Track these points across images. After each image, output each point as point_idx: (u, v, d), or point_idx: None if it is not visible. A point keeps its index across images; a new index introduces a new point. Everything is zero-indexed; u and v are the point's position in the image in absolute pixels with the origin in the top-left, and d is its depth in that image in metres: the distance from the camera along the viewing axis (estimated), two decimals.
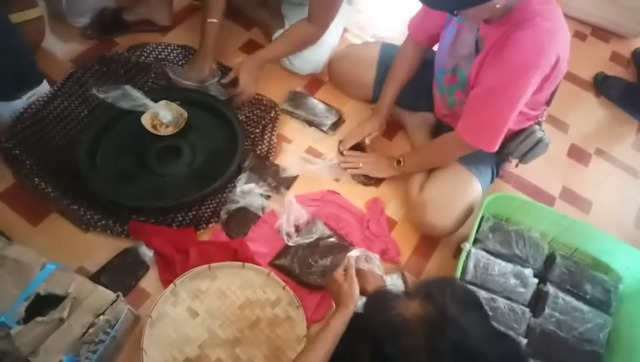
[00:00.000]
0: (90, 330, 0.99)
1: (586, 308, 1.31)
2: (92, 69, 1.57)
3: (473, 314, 0.72)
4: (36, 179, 1.32)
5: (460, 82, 1.35)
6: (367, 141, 1.53)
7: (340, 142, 1.56)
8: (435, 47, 1.44)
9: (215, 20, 1.53)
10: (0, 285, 0.99)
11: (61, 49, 1.67)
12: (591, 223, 1.48)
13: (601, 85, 1.96)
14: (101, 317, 1.00)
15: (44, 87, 1.45)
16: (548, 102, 1.43)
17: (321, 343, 0.93)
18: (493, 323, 1.23)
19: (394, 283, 1.35)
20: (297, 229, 1.36)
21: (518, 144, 1.42)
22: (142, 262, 1.28)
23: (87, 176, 1.34)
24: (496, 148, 1.29)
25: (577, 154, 1.77)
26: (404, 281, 1.33)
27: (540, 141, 1.42)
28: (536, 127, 1.42)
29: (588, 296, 1.33)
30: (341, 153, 1.54)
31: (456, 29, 1.31)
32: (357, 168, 1.51)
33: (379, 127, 1.53)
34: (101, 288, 1.04)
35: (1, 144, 1.35)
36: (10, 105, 1.39)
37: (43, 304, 0.99)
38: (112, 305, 1.02)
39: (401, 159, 1.47)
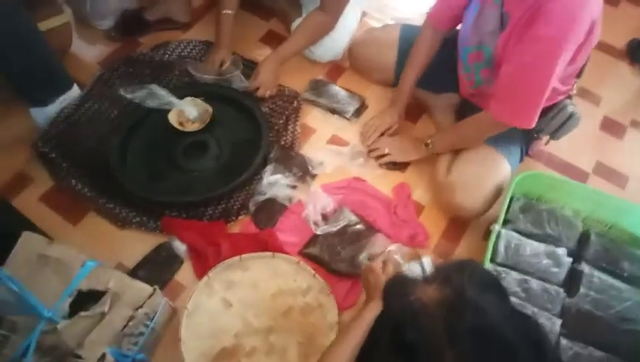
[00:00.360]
0: (131, 323, 1.04)
1: (623, 286, 1.28)
2: (119, 71, 1.61)
3: (492, 295, 0.72)
4: (73, 181, 1.38)
5: (486, 60, 1.32)
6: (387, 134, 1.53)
7: (361, 133, 1.56)
8: (458, 27, 1.42)
9: (229, 12, 1.55)
10: (45, 283, 1.04)
11: (88, 52, 1.73)
12: (628, 198, 1.43)
13: (636, 52, 1.88)
14: (140, 310, 1.05)
15: (74, 91, 1.50)
16: (579, 75, 1.38)
17: (353, 333, 0.94)
18: (521, 303, 1.23)
19: (412, 269, 1.34)
20: (324, 218, 1.38)
21: (549, 120, 1.38)
22: (176, 256, 1.32)
23: (119, 175, 1.39)
24: (534, 123, 1.26)
25: (611, 126, 1.70)
26: (422, 268, 1.32)
27: (571, 116, 1.38)
28: (568, 101, 1.38)
29: (625, 274, 1.30)
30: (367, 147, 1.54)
31: (480, 5, 1.28)
32: (384, 155, 1.51)
33: (398, 118, 1.52)
34: (139, 282, 1.09)
35: (38, 149, 1.41)
36: (44, 111, 1.45)
37: (85, 299, 1.04)
38: (149, 298, 1.07)
39: (430, 141, 1.44)
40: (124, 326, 1.03)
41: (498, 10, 1.23)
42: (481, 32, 1.29)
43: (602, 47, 1.89)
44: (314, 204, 1.35)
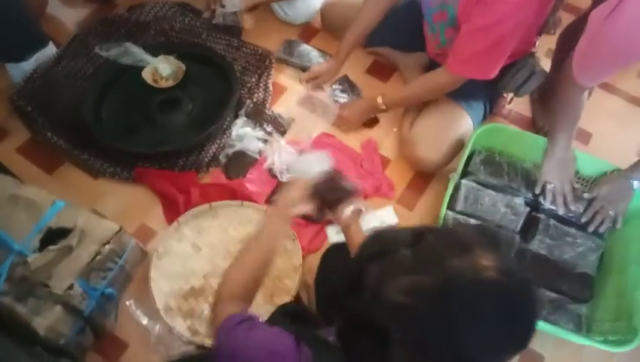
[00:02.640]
0: (98, 258, 1.09)
1: (578, 232, 1.34)
2: (95, 31, 1.65)
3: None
4: (49, 134, 1.43)
5: (450, 19, 1.35)
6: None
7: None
8: None
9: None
10: (15, 220, 1.09)
11: (66, 14, 1.76)
12: (590, 153, 1.48)
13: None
14: (106, 246, 1.10)
15: (50, 49, 1.54)
16: (540, 32, 1.42)
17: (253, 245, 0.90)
18: None
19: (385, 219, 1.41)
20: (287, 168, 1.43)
21: (512, 76, 1.42)
22: None
23: (94, 128, 1.43)
24: (492, 76, 1.30)
25: None
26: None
27: (533, 72, 1.42)
28: (530, 58, 1.42)
29: (579, 222, 1.35)
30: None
31: None
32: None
33: (327, 73, 1.47)
34: (106, 221, 1.14)
35: (14, 102, 1.46)
36: (19, 67, 1.49)
37: (55, 237, 1.09)
38: (115, 235, 1.12)
39: (380, 100, 1.43)
40: (92, 261, 1.08)
41: None
42: None
43: (573, 10, 1.92)
44: (278, 154, 1.40)
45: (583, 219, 1.33)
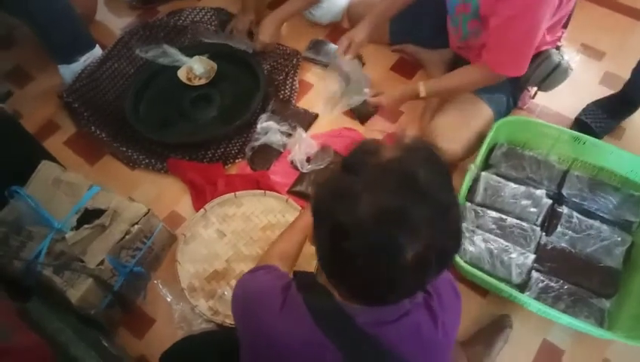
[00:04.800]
0: (127, 237, 1.18)
1: (602, 226, 1.30)
2: (137, 34, 1.78)
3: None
4: (92, 127, 1.56)
5: (473, 11, 1.35)
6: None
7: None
8: None
9: None
10: (57, 202, 1.21)
11: (113, 21, 1.92)
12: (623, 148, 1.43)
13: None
14: (135, 226, 1.19)
15: (97, 51, 1.68)
16: (565, 25, 1.41)
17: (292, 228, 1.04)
18: (496, 238, 1.27)
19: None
20: (309, 160, 1.47)
21: (534, 69, 1.40)
22: None
23: (133, 123, 1.55)
24: (524, 71, 1.30)
25: (611, 81, 1.69)
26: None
27: (558, 66, 1.40)
28: (553, 50, 1.40)
29: (606, 216, 1.31)
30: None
31: None
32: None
33: (365, 35, 1.51)
34: (136, 203, 1.23)
35: (63, 100, 1.60)
36: (69, 68, 1.64)
37: (91, 217, 1.19)
38: (144, 216, 1.21)
39: (420, 85, 1.42)
40: (122, 239, 1.17)
41: None
42: None
43: (607, 3, 1.87)
44: (299, 146, 1.45)
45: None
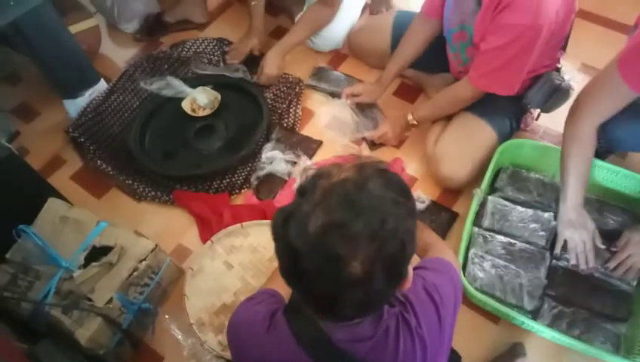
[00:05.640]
0: (135, 273, 1.18)
1: (611, 248, 1.29)
2: (141, 67, 1.80)
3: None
4: (99, 161, 1.57)
5: (470, 38, 1.37)
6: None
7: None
8: None
9: (259, 2, 1.71)
10: (64, 239, 1.21)
11: (117, 53, 1.94)
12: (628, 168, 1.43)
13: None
14: (143, 262, 1.19)
15: (101, 85, 1.70)
16: (564, 47, 1.42)
17: None
18: (506, 264, 1.26)
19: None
20: None
21: (535, 92, 1.42)
22: None
23: (138, 155, 1.56)
24: (514, 92, 1.32)
25: None
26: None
27: (558, 87, 1.41)
28: (553, 73, 1.41)
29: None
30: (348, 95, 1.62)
31: None
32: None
33: (370, 94, 1.59)
34: (143, 239, 1.23)
35: (69, 134, 1.61)
36: (75, 103, 1.65)
37: (98, 254, 1.19)
38: (151, 252, 1.21)
39: (412, 117, 1.48)
40: (130, 276, 1.17)
41: None
42: (461, 13, 1.35)
43: (608, 23, 1.88)
44: (304, 176, 1.45)
45: (610, 265, 1.26)
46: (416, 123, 1.50)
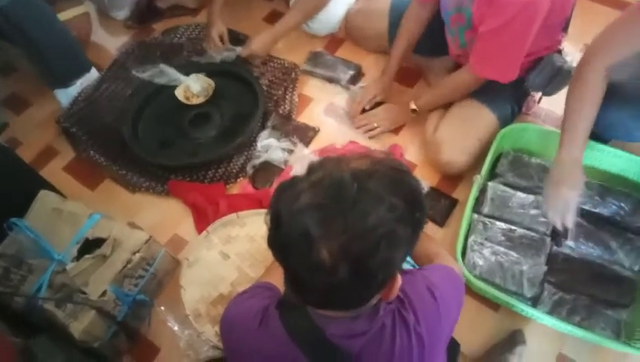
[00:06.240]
0: (129, 265, 1.16)
1: (616, 233, 1.26)
2: (133, 54, 1.77)
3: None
4: (91, 152, 1.54)
5: (467, 21, 1.34)
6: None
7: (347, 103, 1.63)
8: None
9: None
10: (57, 232, 1.19)
11: (108, 41, 1.90)
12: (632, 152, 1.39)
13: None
14: (137, 254, 1.17)
15: (93, 74, 1.67)
16: (565, 28, 1.38)
17: None
18: (506, 251, 1.24)
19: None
20: None
21: (536, 75, 1.38)
22: None
23: (131, 144, 1.53)
24: (514, 77, 1.29)
25: None
26: None
27: (560, 69, 1.37)
28: (555, 55, 1.38)
29: (615, 220, 1.28)
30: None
31: None
32: (374, 129, 1.55)
33: (382, 89, 1.56)
34: (137, 231, 1.21)
35: (61, 124, 1.59)
36: (66, 92, 1.62)
37: (92, 246, 1.18)
38: (145, 244, 1.19)
39: (415, 105, 1.47)
40: (124, 268, 1.15)
41: None
42: None
43: (611, 2, 1.84)
44: (301, 163, 1.43)
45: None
46: (417, 109, 1.48)
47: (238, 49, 1.68)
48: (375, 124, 1.55)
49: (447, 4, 1.36)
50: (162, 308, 1.26)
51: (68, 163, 1.59)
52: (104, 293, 1.12)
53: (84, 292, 1.12)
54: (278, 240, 0.64)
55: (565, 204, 1.10)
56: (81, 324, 1.08)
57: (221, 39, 1.68)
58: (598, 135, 1.34)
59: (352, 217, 0.59)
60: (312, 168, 0.66)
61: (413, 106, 1.48)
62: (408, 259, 1.09)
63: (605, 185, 1.34)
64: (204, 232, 1.37)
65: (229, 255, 1.37)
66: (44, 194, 1.26)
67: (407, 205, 0.62)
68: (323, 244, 0.58)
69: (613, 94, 1.14)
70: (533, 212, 1.31)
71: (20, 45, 1.50)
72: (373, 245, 0.59)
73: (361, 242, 0.59)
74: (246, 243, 1.38)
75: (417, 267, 1.07)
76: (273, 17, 1.88)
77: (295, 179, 0.66)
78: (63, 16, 1.61)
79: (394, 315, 0.71)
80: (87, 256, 1.14)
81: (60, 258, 1.15)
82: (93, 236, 1.19)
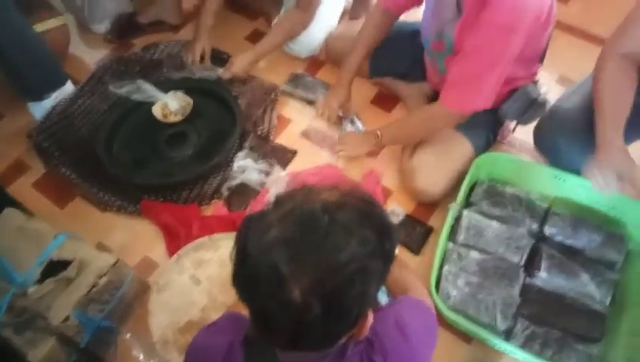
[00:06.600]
0: (95, 289, 1.12)
1: (586, 264, 1.27)
2: (111, 69, 1.74)
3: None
4: (62, 168, 1.50)
5: (448, 47, 1.34)
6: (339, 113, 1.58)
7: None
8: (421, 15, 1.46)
9: (212, 6, 1.65)
10: (20, 252, 1.15)
11: (87, 54, 1.87)
12: None
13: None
14: (103, 278, 1.14)
15: (68, 87, 1.63)
16: (541, 60, 1.40)
17: None
18: (480, 281, 1.24)
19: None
20: None
21: (511, 105, 1.40)
22: None
23: (104, 162, 1.50)
24: (489, 105, 1.27)
25: None
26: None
27: (535, 100, 1.39)
28: (530, 86, 1.40)
29: (587, 253, 1.29)
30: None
31: None
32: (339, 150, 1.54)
33: (344, 97, 1.55)
34: (104, 254, 1.18)
35: (32, 139, 1.54)
36: (40, 105, 1.58)
37: (57, 269, 1.14)
38: (112, 267, 1.15)
39: (379, 133, 1.43)
40: (89, 291, 1.12)
41: None
42: (440, 21, 1.31)
43: (586, 36, 1.88)
44: (276, 187, 1.42)
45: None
46: (383, 143, 1.46)
47: (220, 70, 1.67)
48: (339, 146, 1.54)
49: (428, 30, 1.37)
50: (128, 335, 1.22)
51: (38, 179, 1.54)
52: (67, 319, 1.08)
53: (45, 318, 1.08)
54: (244, 277, 0.62)
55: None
56: (40, 352, 1.04)
57: (202, 56, 1.67)
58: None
59: (324, 251, 0.58)
60: (280, 200, 0.65)
61: (377, 133, 1.43)
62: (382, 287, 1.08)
63: (578, 216, 1.35)
64: (176, 255, 1.34)
65: (200, 279, 1.34)
66: (8, 212, 1.22)
67: (379, 237, 0.62)
68: (294, 281, 0.56)
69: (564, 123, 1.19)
70: (507, 242, 1.32)
71: None
72: (347, 280, 0.58)
73: (335, 277, 0.57)
74: (218, 268, 1.36)
75: (389, 296, 1.06)
76: (255, 36, 1.87)
77: (264, 212, 0.64)
78: (40, 27, 1.57)
79: (361, 358, 0.69)
80: (50, 278, 1.10)
81: (21, 280, 1.10)
82: (59, 257, 1.15)
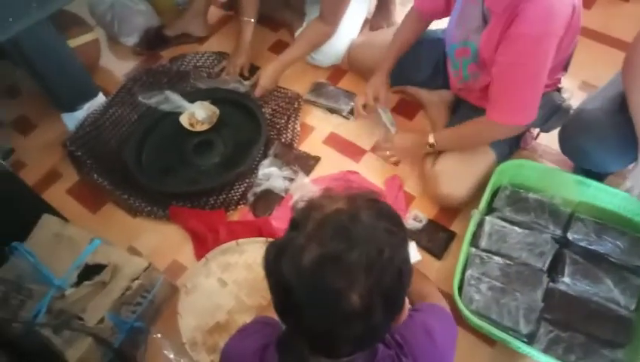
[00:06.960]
0: (128, 293, 1.17)
1: (610, 270, 1.27)
2: (140, 80, 1.80)
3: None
4: (95, 175, 1.56)
5: (472, 55, 1.36)
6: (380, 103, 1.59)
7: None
8: (446, 23, 1.48)
9: (250, 19, 1.72)
10: (57, 257, 1.20)
11: (117, 66, 1.94)
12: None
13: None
14: (136, 281, 1.18)
15: (99, 99, 1.70)
16: (565, 67, 1.41)
17: None
18: (502, 286, 1.25)
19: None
20: None
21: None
22: None
23: (134, 170, 1.56)
24: (534, 116, 1.27)
25: None
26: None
27: (559, 108, 1.40)
28: (554, 93, 1.41)
29: (612, 259, 1.29)
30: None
31: (462, 2, 1.34)
32: (390, 156, 1.56)
33: (381, 85, 1.55)
34: (136, 258, 1.22)
35: (66, 148, 1.61)
36: (73, 116, 1.65)
37: (91, 272, 1.18)
38: (144, 271, 1.20)
39: (433, 140, 1.42)
40: (122, 295, 1.16)
41: (480, 6, 1.28)
42: (465, 29, 1.33)
43: (609, 40, 1.88)
44: (301, 192, 1.45)
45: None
46: (434, 145, 1.44)
47: (247, 83, 1.73)
48: (388, 153, 1.56)
49: (453, 37, 1.39)
50: (159, 335, 1.26)
51: (71, 186, 1.61)
52: (102, 320, 1.13)
53: (81, 319, 1.12)
54: (292, 306, 0.61)
55: None
56: (77, 351, 1.08)
57: (242, 70, 1.76)
58: (594, 171, 1.36)
59: (371, 255, 0.59)
60: (297, 222, 0.65)
61: (431, 140, 1.43)
62: None
63: (601, 222, 1.35)
64: (203, 259, 1.39)
65: (227, 282, 1.38)
66: (46, 219, 1.27)
67: (396, 226, 0.65)
68: (352, 292, 0.58)
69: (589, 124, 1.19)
70: (530, 248, 1.32)
71: (27, 70, 1.54)
72: (397, 273, 0.61)
73: (389, 275, 0.60)
74: (244, 271, 1.39)
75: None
76: (278, 47, 1.92)
77: (285, 240, 0.64)
78: (73, 42, 1.65)
79: (393, 358, 0.71)
80: (86, 282, 1.15)
81: (59, 283, 1.16)
82: (93, 262, 1.20)
